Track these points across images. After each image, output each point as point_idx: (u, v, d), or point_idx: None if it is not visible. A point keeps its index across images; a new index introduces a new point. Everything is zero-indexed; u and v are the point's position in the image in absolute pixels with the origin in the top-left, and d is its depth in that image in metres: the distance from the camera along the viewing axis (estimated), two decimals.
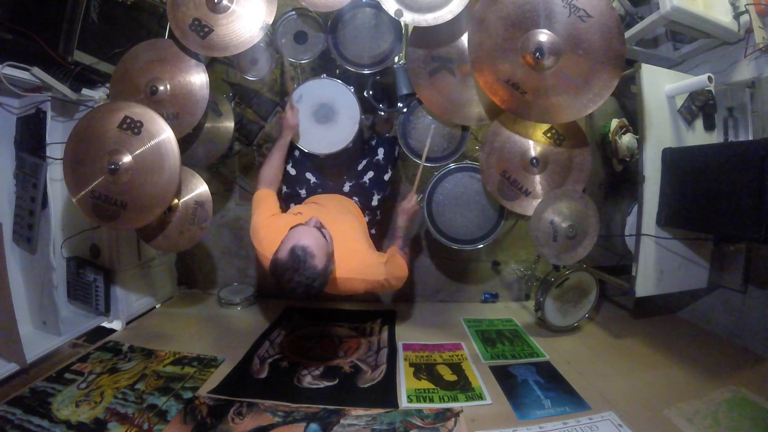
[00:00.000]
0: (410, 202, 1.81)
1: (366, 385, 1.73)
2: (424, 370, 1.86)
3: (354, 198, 1.92)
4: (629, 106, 2.44)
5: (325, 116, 1.91)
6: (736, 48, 2.03)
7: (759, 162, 1.48)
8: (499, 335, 2.23)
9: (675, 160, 1.88)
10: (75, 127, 1.60)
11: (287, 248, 1.22)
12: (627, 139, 2.29)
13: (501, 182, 1.83)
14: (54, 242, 1.89)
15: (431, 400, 1.63)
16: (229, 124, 2.10)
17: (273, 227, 1.47)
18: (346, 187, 1.94)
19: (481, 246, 2.02)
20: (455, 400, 1.64)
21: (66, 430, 1.42)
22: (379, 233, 2.08)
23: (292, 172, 1.93)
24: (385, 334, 2.20)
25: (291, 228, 1.30)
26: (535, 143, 1.81)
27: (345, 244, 1.41)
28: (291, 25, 1.94)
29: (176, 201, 1.81)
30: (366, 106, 2.02)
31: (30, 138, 1.83)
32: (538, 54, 1.48)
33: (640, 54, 2.26)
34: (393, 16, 1.60)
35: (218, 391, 1.66)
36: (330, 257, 1.28)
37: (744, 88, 1.97)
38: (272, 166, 1.76)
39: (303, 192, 1.93)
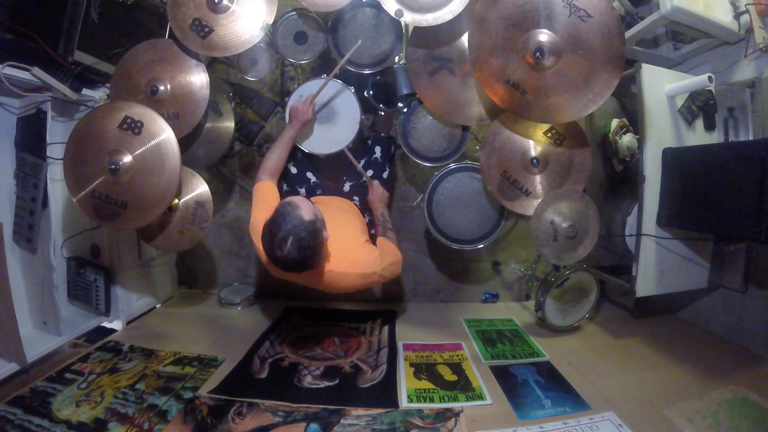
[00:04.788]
0: (375, 191, 1.85)
1: (366, 385, 1.73)
2: (424, 370, 1.86)
3: (354, 198, 1.92)
4: (629, 106, 2.44)
5: (326, 116, 1.91)
6: (736, 48, 2.03)
7: (759, 162, 1.48)
8: (500, 335, 2.23)
9: (675, 160, 1.88)
10: (75, 127, 1.60)
11: (275, 209, 1.30)
12: (627, 139, 2.29)
13: (501, 182, 1.83)
14: (54, 242, 1.89)
15: (431, 400, 1.63)
16: (230, 124, 2.11)
17: None
18: (346, 187, 1.94)
19: (482, 246, 2.02)
20: (455, 400, 1.64)
21: (66, 430, 1.42)
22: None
23: (294, 170, 1.93)
24: (385, 334, 2.20)
25: None
26: (535, 143, 1.81)
27: (342, 242, 1.43)
28: (291, 26, 1.95)
29: (176, 201, 1.81)
30: (366, 106, 2.01)
31: (30, 138, 1.83)
32: (538, 54, 1.48)
33: (641, 54, 2.26)
34: (393, 16, 1.60)
35: (218, 391, 1.66)
36: (318, 218, 1.31)
37: (744, 88, 1.97)
38: (277, 156, 1.73)
39: (302, 191, 1.94)
